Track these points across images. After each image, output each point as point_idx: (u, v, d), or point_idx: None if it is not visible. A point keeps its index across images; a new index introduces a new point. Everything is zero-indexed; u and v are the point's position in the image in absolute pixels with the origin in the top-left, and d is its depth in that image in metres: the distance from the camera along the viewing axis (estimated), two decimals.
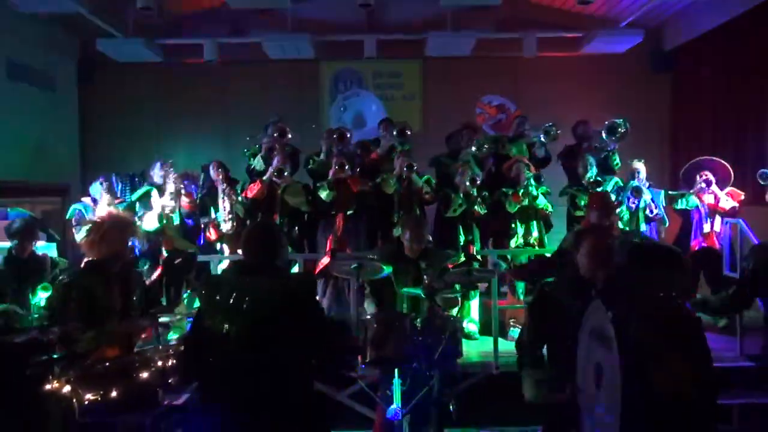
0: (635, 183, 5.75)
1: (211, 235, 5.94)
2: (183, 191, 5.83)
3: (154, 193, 5.80)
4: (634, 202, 5.76)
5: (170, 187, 5.75)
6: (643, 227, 5.73)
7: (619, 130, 5.85)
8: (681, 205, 5.78)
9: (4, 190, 6.86)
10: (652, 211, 5.77)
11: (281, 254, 2.91)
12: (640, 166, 5.92)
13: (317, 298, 3.05)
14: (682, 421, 2.23)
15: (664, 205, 5.88)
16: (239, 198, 5.89)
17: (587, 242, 2.88)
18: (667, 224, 5.87)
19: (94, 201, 5.79)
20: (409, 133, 6.05)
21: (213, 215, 5.97)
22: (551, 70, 8.77)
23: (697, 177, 5.71)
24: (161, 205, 5.71)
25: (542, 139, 6.15)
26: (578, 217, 5.91)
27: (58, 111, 8.23)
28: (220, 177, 5.95)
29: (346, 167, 5.54)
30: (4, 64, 7.06)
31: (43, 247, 5.33)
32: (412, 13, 8.63)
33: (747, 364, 4.82)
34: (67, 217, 5.94)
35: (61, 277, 3.51)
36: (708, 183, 5.61)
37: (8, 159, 7.01)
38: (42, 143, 7.75)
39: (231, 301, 2.60)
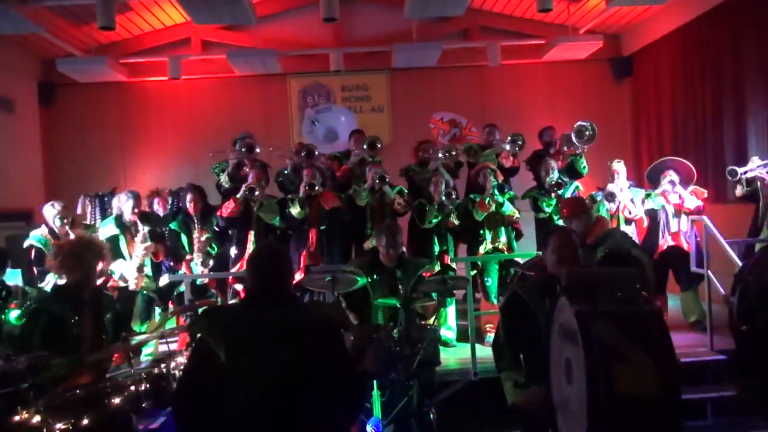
0: (610, 187, 5.82)
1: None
2: (152, 249, 5.53)
3: (121, 240, 5.57)
4: (614, 204, 5.84)
5: (138, 230, 5.50)
6: (624, 227, 5.80)
7: (587, 132, 5.96)
8: (647, 205, 5.90)
9: None
10: (630, 212, 5.86)
11: (292, 279, 2.60)
12: (619, 167, 6.00)
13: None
14: (648, 418, 2.26)
15: (644, 203, 5.95)
16: (212, 233, 5.73)
17: (555, 239, 2.97)
18: (646, 224, 5.95)
19: (52, 233, 5.35)
20: (379, 146, 6.10)
21: (187, 251, 5.71)
22: (516, 78, 8.95)
23: (662, 177, 5.84)
24: (132, 254, 5.49)
25: (507, 148, 6.25)
26: (542, 220, 6.01)
27: (19, 134, 8.04)
28: (198, 207, 5.72)
29: (317, 187, 5.50)
30: None
31: (9, 275, 5.18)
32: (377, 25, 8.72)
33: (719, 358, 4.93)
34: (24, 246, 5.64)
35: (28, 303, 3.41)
36: (672, 183, 5.74)
37: None
38: (3, 167, 7.56)
39: (239, 334, 2.21)
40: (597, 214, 5.83)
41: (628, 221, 5.89)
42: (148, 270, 5.59)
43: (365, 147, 6.07)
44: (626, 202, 5.86)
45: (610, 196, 5.78)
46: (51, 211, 5.34)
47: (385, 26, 8.67)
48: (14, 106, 7.94)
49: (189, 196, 5.78)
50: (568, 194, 5.86)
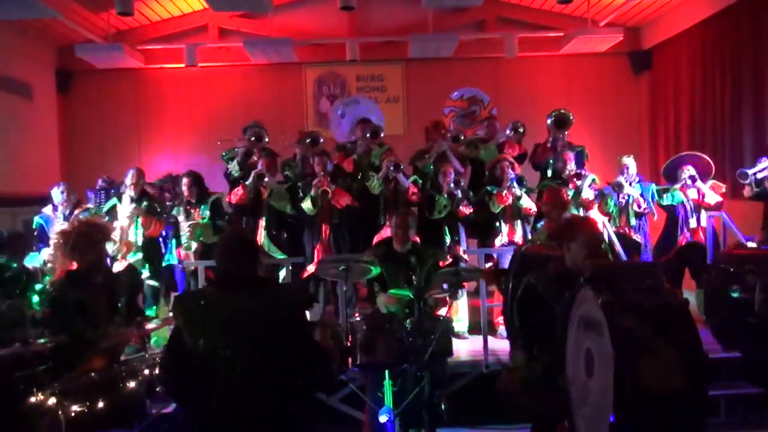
0: (619, 178, 5.80)
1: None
2: (141, 217, 5.57)
3: (119, 206, 5.63)
4: (624, 198, 5.81)
5: (125, 211, 5.54)
6: (633, 222, 5.77)
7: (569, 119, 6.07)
8: (666, 200, 5.84)
9: None
10: (640, 206, 5.81)
11: (259, 263, 2.76)
12: (629, 161, 5.97)
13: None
14: (672, 411, 2.24)
15: (654, 199, 5.92)
16: (205, 220, 5.68)
17: (583, 233, 2.88)
18: (656, 218, 5.91)
19: (54, 208, 5.65)
20: (381, 135, 6.09)
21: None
22: (532, 70, 8.86)
23: (679, 172, 5.77)
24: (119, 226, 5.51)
25: (509, 134, 6.22)
26: None
27: (36, 120, 8.11)
28: (192, 191, 5.73)
29: (329, 194, 5.47)
30: None
31: (30, 258, 5.27)
32: (393, 15, 8.66)
33: (733, 355, 4.87)
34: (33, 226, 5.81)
35: (48, 289, 3.45)
36: (693, 179, 5.67)
37: None
38: (21, 153, 7.63)
39: (219, 319, 2.38)
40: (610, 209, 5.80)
41: (638, 215, 5.84)
42: (133, 238, 5.59)
43: (368, 136, 6.08)
44: (636, 196, 5.80)
45: (618, 187, 5.74)
46: (56, 192, 5.65)
47: (401, 16, 8.61)
48: (32, 92, 8.00)
49: (184, 180, 5.80)
50: (586, 185, 5.81)
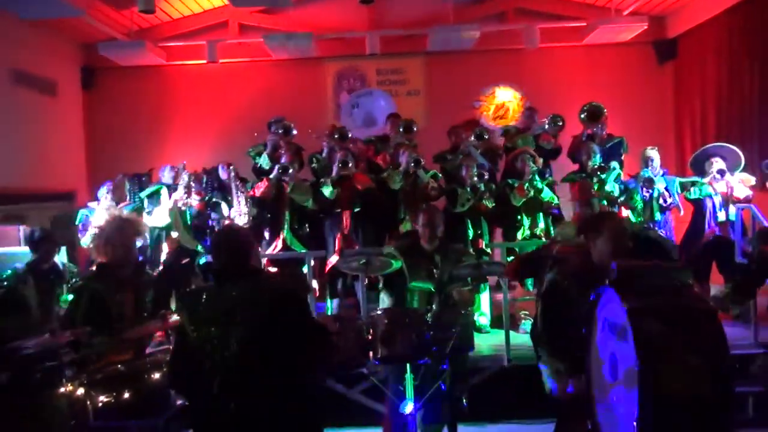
0: (647, 173, 5.69)
1: None
2: (194, 189, 5.87)
3: (164, 190, 5.90)
4: (648, 192, 5.71)
5: (183, 181, 5.84)
6: (658, 216, 5.67)
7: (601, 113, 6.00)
8: (694, 194, 5.72)
9: (11, 196, 6.89)
10: (665, 201, 5.70)
11: (255, 254, 2.82)
12: (653, 153, 5.87)
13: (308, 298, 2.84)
14: (696, 417, 2.19)
15: (678, 192, 5.82)
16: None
17: (609, 228, 2.82)
18: (683, 213, 5.81)
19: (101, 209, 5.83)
20: (415, 129, 6.04)
21: (227, 212, 5.92)
22: (554, 61, 8.74)
23: (707, 165, 5.65)
24: (173, 199, 5.81)
25: (546, 129, 6.15)
26: None
27: (61, 117, 8.25)
28: (232, 175, 5.98)
29: (350, 165, 5.52)
30: (8, 72, 7.08)
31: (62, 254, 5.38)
32: (413, 8, 8.61)
33: (761, 351, 4.77)
34: (76, 222, 5.97)
35: (73, 281, 3.52)
36: (722, 173, 5.55)
37: (14, 166, 7.03)
38: (46, 149, 7.77)
39: (218, 311, 2.45)
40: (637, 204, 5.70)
41: (662, 210, 5.73)
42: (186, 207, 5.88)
43: (401, 130, 6.03)
44: (662, 190, 5.70)
45: (648, 182, 5.63)
46: (103, 192, 5.92)
47: (421, 9, 8.56)
48: (57, 89, 8.14)
49: (222, 165, 6.12)
50: (611, 179, 5.73)
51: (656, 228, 5.72)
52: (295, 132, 6.04)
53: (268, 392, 2.41)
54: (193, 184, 5.88)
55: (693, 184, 5.71)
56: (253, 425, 2.39)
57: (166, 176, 6.14)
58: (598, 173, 5.71)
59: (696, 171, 5.86)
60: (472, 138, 6.12)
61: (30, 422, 3.06)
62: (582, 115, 6.10)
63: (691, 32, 8.19)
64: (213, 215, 5.96)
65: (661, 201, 5.71)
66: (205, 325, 2.44)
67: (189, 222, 5.89)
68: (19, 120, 7.21)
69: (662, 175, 5.85)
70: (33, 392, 3.05)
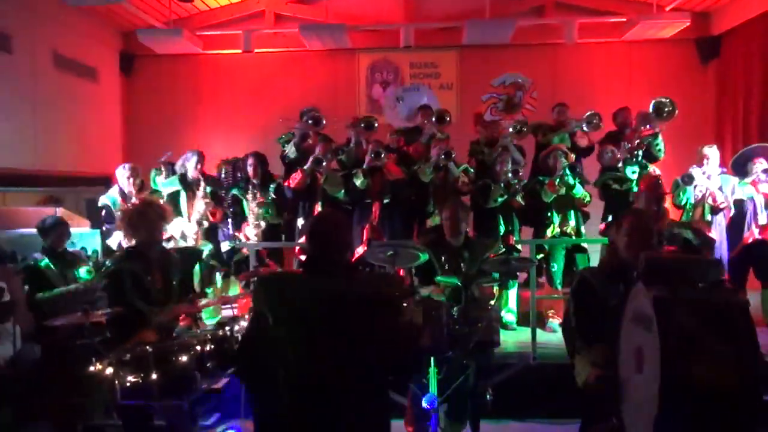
0: (692, 170, 5.49)
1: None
2: (210, 208, 5.74)
3: (182, 195, 5.75)
4: (700, 191, 5.49)
5: (199, 207, 5.69)
6: (708, 217, 5.47)
7: (666, 109, 5.62)
8: (735, 195, 5.53)
9: (50, 178, 7.07)
10: (715, 200, 5.47)
11: (350, 246, 2.71)
12: (711, 152, 5.62)
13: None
14: (722, 413, 2.14)
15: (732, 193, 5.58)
16: (269, 199, 5.84)
17: (627, 222, 2.85)
18: (733, 212, 5.57)
19: (122, 194, 5.73)
20: (448, 119, 5.96)
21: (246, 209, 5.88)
22: (591, 57, 8.57)
23: (750, 165, 5.46)
24: (194, 220, 5.67)
25: (584, 128, 6.00)
26: (613, 202, 5.73)
27: (101, 102, 8.42)
28: (258, 172, 5.88)
29: (382, 155, 5.51)
30: (51, 55, 7.25)
31: (88, 234, 5.48)
32: (449, 1, 8.52)
33: None
34: (99, 205, 6.00)
35: (107, 263, 3.59)
36: (767, 173, 5.36)
37: (54, 149, 7.22)
38: (87, 134, 7.95)
39: (305, 305, 2.26)
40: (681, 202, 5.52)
41: (714, 210, 5.53)
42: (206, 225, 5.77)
43: (434, 120, 5.97)
44: (714, 189, 5.49)
45: (687, 179, 5.45)
46: (122, 173, 5.71)
47: (457, 1, 8.47)
48: (98, 74, 8.31)
49: (250, 161, 5.92)
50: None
51: (704, 228, 5.45)
52: (324, 123, 6.04)
53: (345, 390, 2.23)
54: (209, 210, 5.72)
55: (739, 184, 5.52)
56: (325, 421, 2.22)
57: (190, 167, 5.85)
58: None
59: (737, 172, 5.68)
60: (510, 130, 6.00)
61: (64, 396, 3.15)
62: (650, 109, 5.72)
63: (735, 30, 7.93)
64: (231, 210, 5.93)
65: (710, 201, 5.49)
66: (288, 316, 2.26)
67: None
68: (60, 103, 7.38)
69: (720, 174, 5.62)
70: (66, 368, 3.13)
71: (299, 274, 2.48)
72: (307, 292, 2.29)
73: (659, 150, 5.82)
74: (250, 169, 5.90)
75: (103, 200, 5.71)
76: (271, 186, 5.92)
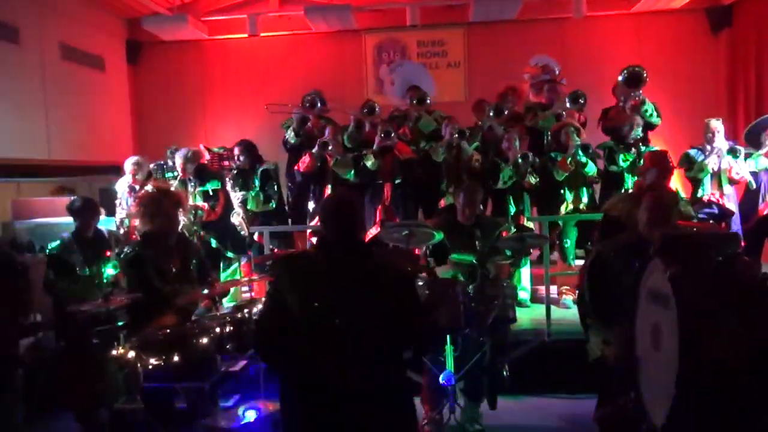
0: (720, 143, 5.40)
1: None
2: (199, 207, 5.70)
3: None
4: (717, 163, 5.38)
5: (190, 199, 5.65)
6: (726, 190, 5.41)
7: (634, 76, 5.63)
8: (749, 166, 5.47)
9: (62, 168, 7.12)
10: (738, 173, 5.36)
11: (364, 225, 2.68)
12: (719, 125, 5.53)
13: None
14: (738, 387, 2.14)
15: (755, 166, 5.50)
16: (253, 189, 5.82)
17: (648, 198, 2.85)
18: (754, 186, 5.48)
19: (131, 189, 5.81)
20: (428, 101, 6.04)
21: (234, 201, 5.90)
22: (600, 31, 8.45)
23: (763, 137, 5.40)
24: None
25: (569, 106, 5.91)
26: (611, 175, 5.69)
27: (109, 90, 8.44)
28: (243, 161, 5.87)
29: (392, 135, 5.51)
30: (58, 46, 7.25)
31: (104, 221, 5.53)
32: None
33: None
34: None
35: (125, 250, 3.63)
36: None
37: (65, 139, 7.25)
38: (96, 122, 7.98)
39: (325, 285, 2.28)
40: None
41: (731, 182, 5.46)
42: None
43: (414, 103, 5.99)
44: (731, 162, 5.41)
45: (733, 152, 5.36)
46: (127, 167, 5.91)
47: None
48: (104, 63, 8.31)
49: (236, 149, 5.96)
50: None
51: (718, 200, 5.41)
52: (319, 105, 6.03)
53: (367, 369, 2.25)
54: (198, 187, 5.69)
55: (747, 156, 5.46)
56: (351, 400, 2.23)
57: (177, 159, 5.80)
58: (641, 144, 5.54)
59: (750, 143, 5.62)
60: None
61: (87, 382, 3.21)
62: (620, 79, 5.75)
63: None
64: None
65: (733, 174, 5.37)
66: (309, 296, 2.25)
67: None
68: (69, 94, 7.40)
69: (728, 148, 5.55)
70: (88, 353, 3.19)
71: (315, 254, 2.47)
72: (326, 273, 2.30)
73: (650, 115, 5.70)
74: (236, 157, 5.93)
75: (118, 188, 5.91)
76: (254, 177, 5.82)
